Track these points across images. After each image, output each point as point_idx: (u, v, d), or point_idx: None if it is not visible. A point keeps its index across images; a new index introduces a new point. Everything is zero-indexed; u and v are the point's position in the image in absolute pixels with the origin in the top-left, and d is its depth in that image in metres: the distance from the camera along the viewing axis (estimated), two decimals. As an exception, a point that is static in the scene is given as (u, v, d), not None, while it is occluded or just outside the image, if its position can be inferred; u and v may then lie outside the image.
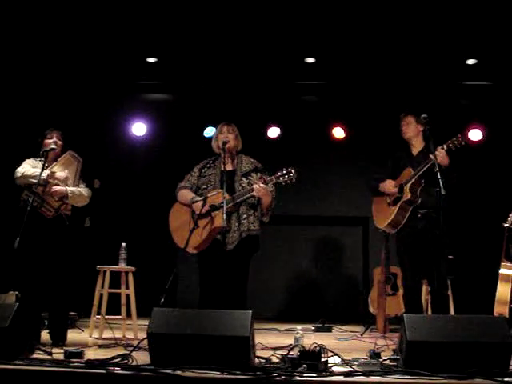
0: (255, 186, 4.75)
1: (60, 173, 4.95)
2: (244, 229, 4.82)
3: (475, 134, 8.02)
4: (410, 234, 5.11)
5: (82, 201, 5.10)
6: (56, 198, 4.88)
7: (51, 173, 4.88)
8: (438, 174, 4.60)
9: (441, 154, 4.91)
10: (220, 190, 4.76)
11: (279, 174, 4.74)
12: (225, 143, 4.92)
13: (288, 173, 4.71)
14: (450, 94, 8.11)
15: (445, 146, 4.96)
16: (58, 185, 4.91)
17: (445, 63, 7.65)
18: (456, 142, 4.95)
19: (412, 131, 5.32)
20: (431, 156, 4.90)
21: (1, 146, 7.46)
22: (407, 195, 5.08)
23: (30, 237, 4.63)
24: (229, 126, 5.07)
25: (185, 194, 5.00)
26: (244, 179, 4.95)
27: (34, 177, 4.81)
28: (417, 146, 5.35)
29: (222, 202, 4.60)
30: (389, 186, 5.27)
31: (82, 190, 5.10)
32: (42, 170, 4.80)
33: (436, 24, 6.68)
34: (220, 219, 4.60)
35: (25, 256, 4.69)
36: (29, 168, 4.92)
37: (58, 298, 4.88)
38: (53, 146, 4.95)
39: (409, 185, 5.09)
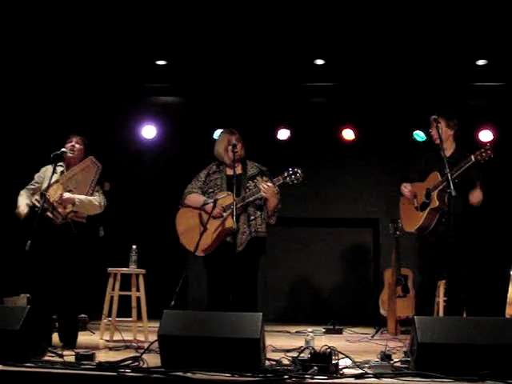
0: (262, 186, 4.75)
1: (67, 194, 4.81)
2: (252, 230, 4.84)
3: (486, 135, 7.98)
4: (431, 235, 4.97)
5: (92, 209, 4.94)
6: (64, 205, 4.79)
7: (58, 198, 4.81)
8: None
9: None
10: (229, 193, 4.78)
11: (286, 174, 4.75)
12: (236, 153, 4.88)
13: (294, 173, 4.72)
14: (460, 94, 8.08)
15: (473, 158, 4.68)
16: (71, 191, 4.85)
17: (455, 64, 7.62)
18: (484, 154, 4.62)
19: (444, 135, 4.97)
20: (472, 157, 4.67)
21: (14, 149, 7.51)
22: (435, 203, 4.87)
23: (40, 241, 4.65)
24: (235, 134, 5.03)
25: (195, 197, 5.01)
26: (251, 182, 4.96)
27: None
28: (448, 148, 4.98)
29: (232, 204, 4.62)
30: (402, 189, 5.18)
31: (93, 198, 4.91)
32: (52, 175, 4.82)
33: (446, 25, 6.66)
34: (230, 221, 4.63)
35: (35, 259, 4.70)
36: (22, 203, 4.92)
37: (67, 300, 4.89)
38: (63, 150, 4.93)
39: (436, 192, 4.86)
